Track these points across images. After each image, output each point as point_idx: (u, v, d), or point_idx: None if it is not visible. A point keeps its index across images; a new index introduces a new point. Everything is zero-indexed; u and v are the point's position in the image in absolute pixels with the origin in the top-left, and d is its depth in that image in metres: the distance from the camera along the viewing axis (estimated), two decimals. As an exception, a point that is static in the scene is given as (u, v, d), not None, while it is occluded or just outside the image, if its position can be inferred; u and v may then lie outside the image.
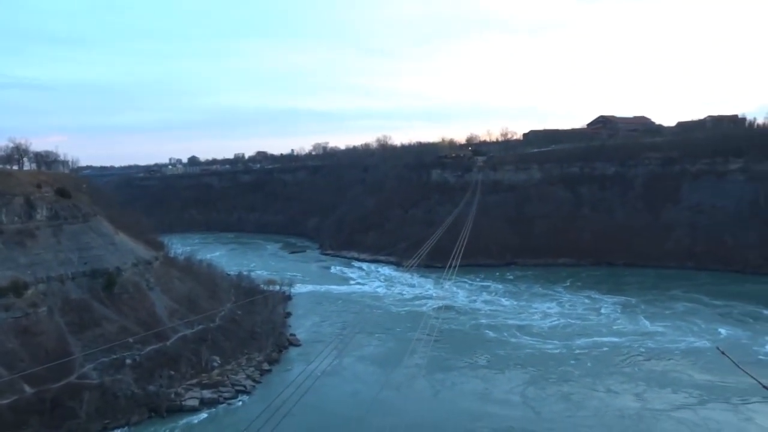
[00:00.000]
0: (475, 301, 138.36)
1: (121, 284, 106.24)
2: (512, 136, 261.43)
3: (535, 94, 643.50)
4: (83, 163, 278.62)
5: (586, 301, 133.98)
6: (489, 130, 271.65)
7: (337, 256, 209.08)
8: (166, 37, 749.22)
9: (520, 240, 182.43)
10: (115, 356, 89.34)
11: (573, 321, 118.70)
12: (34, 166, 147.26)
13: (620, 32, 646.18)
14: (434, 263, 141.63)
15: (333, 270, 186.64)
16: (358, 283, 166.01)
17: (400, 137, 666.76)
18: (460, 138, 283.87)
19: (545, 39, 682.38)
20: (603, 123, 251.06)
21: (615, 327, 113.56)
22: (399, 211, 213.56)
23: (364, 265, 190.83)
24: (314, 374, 67.40)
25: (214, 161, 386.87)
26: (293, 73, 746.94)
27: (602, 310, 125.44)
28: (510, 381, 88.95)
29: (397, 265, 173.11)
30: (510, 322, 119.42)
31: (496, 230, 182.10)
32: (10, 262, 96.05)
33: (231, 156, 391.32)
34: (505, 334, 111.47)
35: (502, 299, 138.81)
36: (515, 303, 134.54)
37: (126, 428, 79.11)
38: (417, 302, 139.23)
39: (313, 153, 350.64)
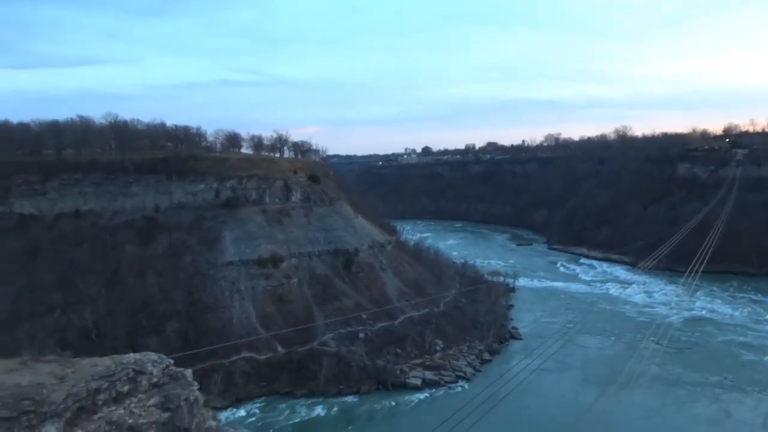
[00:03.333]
0: (726, 313, 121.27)
1: (358, 264, 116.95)
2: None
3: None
4: (331, 152, 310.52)
5: None
6: (752, 120, 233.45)
7: (565, 251, 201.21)
8: (401, 33, 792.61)
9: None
10: (350, 329, 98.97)
11: None
12: (291, 154, 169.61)
13: None
14: (675, 266, 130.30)
15: (560, 266, 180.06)
16: (587, 282, 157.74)
17: (641, 127, 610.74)
18: (715, 128, 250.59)
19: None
20: None
21: None
22: (637, 207, 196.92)
23: (595, 263, 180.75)
24: (533, 370, 66.63)
25: (446, 151, 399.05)
26: (524, 63, 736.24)
27: None
28: (756, 408, 77.42)
29: (632, 265, 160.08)
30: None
31: (756, 234, 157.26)
32: (271, 238, 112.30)
33: (461, 146, 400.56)
34: (767, 357, 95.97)
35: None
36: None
37: (356, 396, 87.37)
38: (652, 307, 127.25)
39: (545, 144, 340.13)
